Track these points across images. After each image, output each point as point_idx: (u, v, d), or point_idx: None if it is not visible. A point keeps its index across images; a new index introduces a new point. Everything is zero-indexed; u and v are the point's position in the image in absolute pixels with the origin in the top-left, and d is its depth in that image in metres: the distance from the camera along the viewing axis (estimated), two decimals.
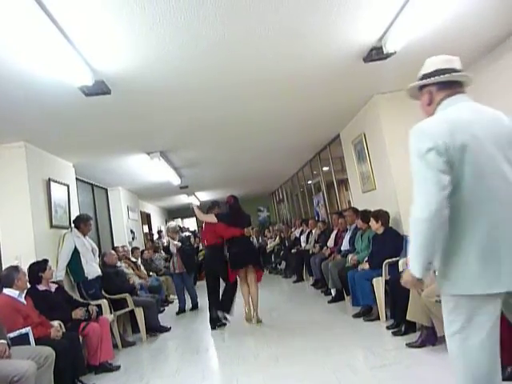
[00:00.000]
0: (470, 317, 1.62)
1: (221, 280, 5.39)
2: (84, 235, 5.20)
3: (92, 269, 5.05)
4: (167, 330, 5.49)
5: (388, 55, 3.57)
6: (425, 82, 1.83)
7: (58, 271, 4.80)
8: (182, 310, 6.70)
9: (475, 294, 1.60)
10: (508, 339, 2.48)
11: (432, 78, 1.81)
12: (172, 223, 8.23)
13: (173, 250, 6.95)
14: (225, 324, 5.26)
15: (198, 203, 6.65)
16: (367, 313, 4.59)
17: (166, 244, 7.92)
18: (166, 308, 7.25)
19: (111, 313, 4.83)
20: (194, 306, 6.81)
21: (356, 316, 4.68)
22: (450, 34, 3.51)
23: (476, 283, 1.60)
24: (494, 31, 3.62)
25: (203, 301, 7.04)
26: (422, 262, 1.64)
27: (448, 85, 1.80)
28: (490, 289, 1.58)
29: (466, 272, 1.61)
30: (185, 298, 6.84)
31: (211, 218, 5.31)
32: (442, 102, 1.79)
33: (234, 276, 5.23)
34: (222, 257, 5.30)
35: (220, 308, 5.30)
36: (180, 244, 7.03)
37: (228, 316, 5.32)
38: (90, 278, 4.99)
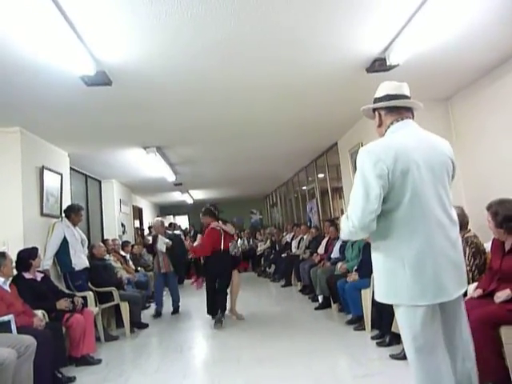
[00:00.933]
0: (414, 328, 1.81)
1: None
2: (74, 225, 5.16)
3: (80, 260, 5.01)
4: (145, 326, 5.51)
5: (391, 67, 3.59)
6: (375, 105, 2.01)
7: (45, 260, 4.75)
8: (158, 314, 6.27)
9: (408, 305, 1.81)
10: (485, 356, 2.51)
11: (381, 103, 1.98)
12: (158, 218, 7.32)
13: (161, 247, 6.34)
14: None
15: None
16: (358, 321, 4.59)
17: (150, 242, 7.15)
18: (152, 304, 7.20)
19: (96, 305, 4.80)
20: (176, 310, 6.38)
21: (349, 323, 4.67)
22: (455, 51, 3.53)
23: (407, 295, 1.80)
24: (498, 50, 3.64)
25: (188, 301, 7.03)
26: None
27: (395, 109, 1.96)
28: (414, 301, 1.79)
29: (401, 284, 1.81)
30: (163, 300, 6.43)
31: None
32: (391, 125, 1.96)
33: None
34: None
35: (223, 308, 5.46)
36: (171, 242, 6.44)
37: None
38: (77, 269, 4.94)
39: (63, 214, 5.27)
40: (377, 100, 2.03)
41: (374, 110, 2.05)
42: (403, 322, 1.86)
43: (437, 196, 1.84)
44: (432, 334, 1.80)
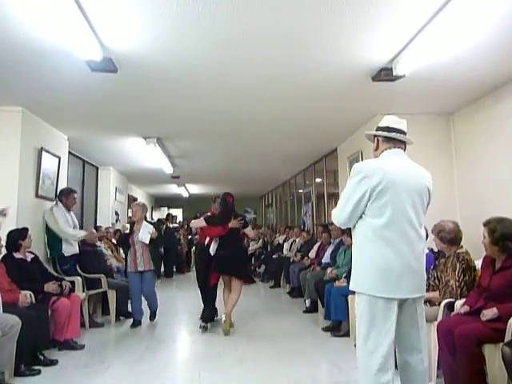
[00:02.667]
0: (373, 318, 2.16)
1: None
2: (68, 210, 5.14)
3: (70, 246, 5.00)
4: (132, 316, 5.46)
5: (397, 77, 3.61)
6: (376, 133, 2.43)
7: (77, 235, 5.09)
8: (138, 323, 5.07)
9: (370, 294, 2.17)
10: (467, 372, 2.54)
11: (381, 132, 2.40)
12: (139, 201, 5.58)
13: (144, 237, 5.00)
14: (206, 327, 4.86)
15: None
16: (336, 328, 4.60)
17: (126, 230, 5.57)
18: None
19: (83, 291, 4.78)
20: (152, 315, 5.29)
21: (326, 329, 4.67)
22: (462, 67, 3.55)
23: (370, 286, 2.18)
24: (505, 69, 3.67)
25: (176, 295, 7.00)
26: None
27: (391, 140, 2.37)
28: (374, 292, 2.16)
29: (366, 277, 2.21)
30: (141, 306, 5.15)
31: (201, 223, 4.98)
32: (385, 150, 2.38)
33: (216, 279, 4.99)
34: (207, 258, 4.96)
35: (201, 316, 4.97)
36: (156, 232, 5.14)
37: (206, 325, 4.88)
38: (66, 254, 4.94)
39: (57, 199, 5.24)
40: (378, 128, 2.43)
41: (375, 135, 2.44)
42: (365, 311, 2.20)
43: (408, 215, 2.22)
44: (386, 329, 2.15)
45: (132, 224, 5.32)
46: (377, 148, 2.43)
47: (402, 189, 2.22)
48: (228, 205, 5.01)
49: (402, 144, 2.38)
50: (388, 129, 2.38)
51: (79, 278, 4.82)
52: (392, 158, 2.33)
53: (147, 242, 5.00)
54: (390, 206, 2.18)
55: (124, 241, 5.30)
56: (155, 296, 5.29)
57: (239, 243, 5.15)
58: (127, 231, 5.38)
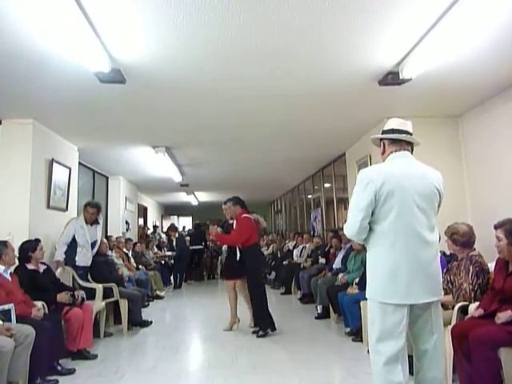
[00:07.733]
0: (384, 321, 2.16)
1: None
2: (87, 223, 5.15)
3: (84, 258, 5.07)
4: (149, 324, 5.49)
5: (403, 81, 3.60)
6: (381, 136, 2.42)
7: (57, 255, 4.95)
8: None
9: (381, 301, 2.18)
10: (483, 376, 2.50)
11: (386, 135, 2.39)
12: None
13: None
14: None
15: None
16: (358, 333, 4.56)
17: None
18: (151, 303, 7.22)
19: (103, 300, 4.82)
20: None
21: (349, 334, 4.62)
22: (469, 68, 3.54)
23: (381, 293, 2.18)
24: (508, 73, 3.65)
25: (188, 302, 6.99)
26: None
27: (397, 142, 2.36)
28: (385, 299, 2.16)
29: (378, 283, 2.21)
30: None
31: None
32: (391, 153, 2.36)
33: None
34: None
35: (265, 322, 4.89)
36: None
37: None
38: (78, 265, 5.00)
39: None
40: (384, 132, 2.42)
41: (381, 139, 2.43)
42: (376, 317, 2.20)
43: (416, 219, 2.20)
44: (396, 335, 2.14)
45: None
46: (383, 152, 2.42)
47: (409, 192, 2.19)
48: None
49: (408, 146, 2.37)
50: (393, 131, 2.36)
51: (100, 286, 4.86)
52: (398, 161, 2.32)
53: None
54: (396, 211, 2.17)
55: None
56: None
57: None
58: None
